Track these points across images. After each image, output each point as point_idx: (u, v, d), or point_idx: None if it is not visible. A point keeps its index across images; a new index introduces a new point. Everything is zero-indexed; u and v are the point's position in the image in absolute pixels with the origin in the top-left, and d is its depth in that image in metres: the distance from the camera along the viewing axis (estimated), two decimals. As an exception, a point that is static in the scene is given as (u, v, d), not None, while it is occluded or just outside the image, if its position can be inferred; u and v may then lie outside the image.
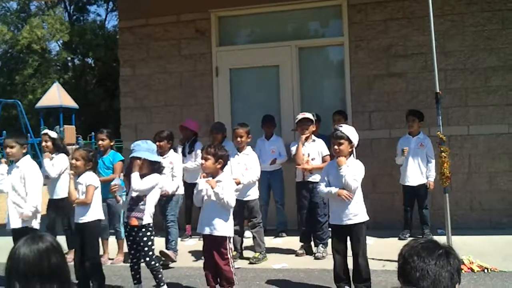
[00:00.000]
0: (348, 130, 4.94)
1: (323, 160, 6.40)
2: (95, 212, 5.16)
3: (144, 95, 8.82)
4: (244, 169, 6.29)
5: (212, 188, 4.75)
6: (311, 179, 6.40)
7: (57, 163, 6.56)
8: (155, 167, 5.15)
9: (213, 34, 8.57)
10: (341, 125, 5.05)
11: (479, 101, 7.59)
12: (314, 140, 6.46)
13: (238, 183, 6.01)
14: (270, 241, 7.02)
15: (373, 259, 5.51)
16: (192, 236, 7.55)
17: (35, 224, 5.42)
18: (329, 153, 6.44)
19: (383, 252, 5.85)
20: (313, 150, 6.42)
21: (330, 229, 7.02)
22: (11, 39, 34.16)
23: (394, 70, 7.86)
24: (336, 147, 4.89)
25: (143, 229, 5.03)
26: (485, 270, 5.48)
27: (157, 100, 8.76)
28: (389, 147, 7.55)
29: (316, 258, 6.29)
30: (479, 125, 7.57)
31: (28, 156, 5.55)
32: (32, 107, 28.01)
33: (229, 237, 4.92)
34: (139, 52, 8.87)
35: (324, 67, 8.53)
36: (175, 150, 6.97)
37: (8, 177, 5.50)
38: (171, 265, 6.25)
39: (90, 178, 5.14)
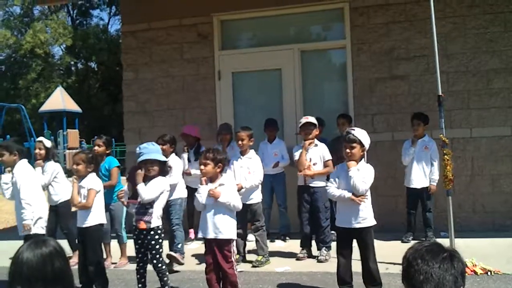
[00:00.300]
0: (360, 133, 4.92)
1: (325, 165, 6.40)
2: (97, 216, 5.18)
3: (146, 99, 8.84)
4: (247, 173, 6.30)
5: (218, 198, 4.74)
6: (312, 184, 6.41)
7: (47, 171, 6.58)
8: (164, 168, 5.16)
9: (216, 38, 8.59)
10: (354, 128, 5.01)
11: (481, 103, 7.59)
12: (316, 145, 6.46)
13: (240, 188, 6.02)
14: (273, 245, 7.02)
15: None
16: (195, 240, 7.55)
17: (39, 229, 5.43)
18: (331, 158, 6.45)
19: (386, 255, 5.84)
20: (315, 155, 6.42)
21: (333, 232, 7.09)
22: (14, 44, 34.33)
23: (396, 73, 7.86)
24: (348, 150, 4.87)
25: (152, 232, 5.03)
26: (488, 273, 5.47)
27: (159, 104, 8.78)
28: (392, 150, 7.55)
29: (319, 261, 6.29)
30: (481, 128, 7.56)
31: (22, 162, 5.54)
32: (35, 111, 28.11)
33: (233, 240, 4.93)
34: (142, 56, 8.89)
35: (326, 70, 8.54)
36: (180, 157, 7.06)
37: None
38: (176, 268, 6.26)
39: (92, 182, 5.15)
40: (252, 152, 6.47)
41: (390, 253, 5.88)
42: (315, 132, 6.44)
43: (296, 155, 6.53)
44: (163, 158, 5.18)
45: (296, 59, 8.27)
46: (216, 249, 4.79)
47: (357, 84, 8.00)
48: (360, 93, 7.98)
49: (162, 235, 5.16)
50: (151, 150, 5.07)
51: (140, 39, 8.89)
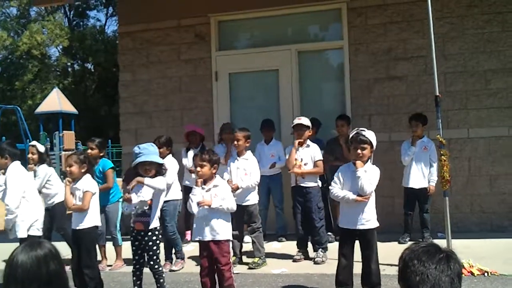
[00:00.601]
0: (370, 135, 4.89)
1: (315, 165, 6.38)
2: (92, 219, 5.13)
3: (143, 100, 8.81)
4: (243, 174, 6.28)
5: (210, 206, 4.71)
6: (304, 184, 6.39)
7: (39, 176, 6.54)
8: (161, 170, 5.13)
9: (213, 39, 8.57)
10: (364, 129, 4.98)
11: (479, 104, 7.58)
12: (308, 146, 6.44)
13: (236, 188, 6.00)
14: (269, 246, 7.00)
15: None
16: (192, 242, 7.53)
17: (36, 231, 5.39)
18: (322, 158, 6.43)
19: (383, 256, 5.79)
20: (306, 155, 6.40)
21: (329, 233, 7.08)
22: (11, 45, 34.24)
23: (394, 74, 7.85)
24: (359, 151, 4.83)
25: (150, 233, 5.00)
26: (485, 274, 5.46)
27: (156, 105, 8.76)
28: (389, 151, 7.53)
29: (316, 263, 6.26)
30: (479, 128, 7.56)
31: (14, 164, 5.52)
32: (31, 113, 28.04)
33: (230, 241, 4.91)
34: (138, 57, 8.87)
35: (323, 71, 8.52)
36: (186, 156, 7.13)
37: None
38: (173, 267, 6.28)
39: (87, 184, 5.11)
40: (248, 153, 6.45)
41: (386, 254, 5.86)
42: (308, 133, 6.41)
43: (287, 154, 6.54)
44: (161, 161, 5.15)
45: (293, 60, 8.25)
46: (213, 251, 4.75)
47: (354, 85, 7.98)
48: (357, 93, 7.97)
49: (160, 236, 5.14)
50: (150, 152, 5.03)
51: (137, 40, 8.87)
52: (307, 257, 6.48)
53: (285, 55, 8.28)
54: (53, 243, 2.32)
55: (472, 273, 5.43)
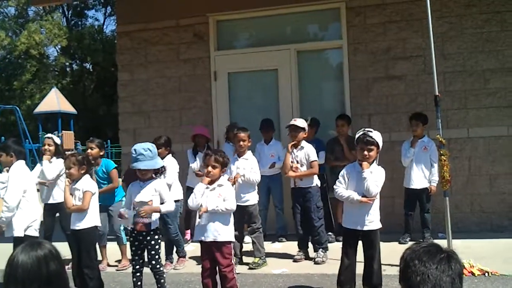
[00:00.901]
0: (377, 136, 4.87)
1: (310, 166, 6.37)
2: (92, 219, 5.14)
3: (142, 100, 8.80)
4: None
5: (207, 211, 4.70)
6: (303, 185, 6.38)
7: (55, 166, 6.54)
8: (158, 171, 5.10)
9: (212, 38, 8.56)
10: (370, 130, 4.96)
11: (478, 103, 7.58)
12: (303, 147, 6.40)
13: (236, 179, 6.00)
14: (269, 246, 6.99)
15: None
16: (191, 242, 7.52)
17: (33, 231, 5.38)
18: (316, 159, 6.43)
19: (384, 256, 5.77)
20: (301, 157, 6.39)
21: (330, 233, 7.08)
22: (9, 45, 34.17)
23: (393, 73, 7.84)
24: (366, 152, 4.80)
25: (152, 233, 5.00)
26: (486, 274, 5.45)
27: (155, 105, 8.74)
28: (389, 150, 7.49)
29: (316, 263, 6.25)
30: (478, 128, 7.55)
31: (18, 163, 5.49)
32: (30, 113, 28.00)
33: (232, 242, 4.89)
34: (137, 56, 8.85)
35: (323, 70, 8.51)
36: (196, 157, 7.19)
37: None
38: (172, 271, 6.26)
39: (87, 184, 5.11)
40: (248, 153, 6.43)
41: (387, 255, 5.84)
42: (303, 135, 6.39)
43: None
44: (157, 165, 5.06)
45: (292, 59, 8.24)
46: (215, 252, 4.72)
47: (353, 84, 7.98)
48: (356, 93, 7.96)
49: (161, 235, 5.13)
50: (146, 157, 4.92)
51: (135, 39, 8.85)
52: (307, 257, 6.47)
53: (284, 55, 8.27)
54: (53, 243, 2.32)
55: (473, 273, 5.43)
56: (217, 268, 4.81)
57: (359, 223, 4.83)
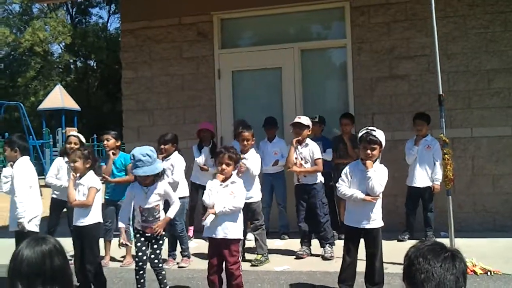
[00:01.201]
0: (380, 134, 4.89)
1: (314, 163, 6.39)
2: (96, 215, 5.16)
3: (146, 98, 8.81)
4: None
5: (216, 214, 4.71)
6: (307, 181, 6.40)
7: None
8: (158, 176, 5.08)
9: (216, 37, 8.57)
10: (374, 128, 4.98)
11: (482, 103, 7.57)
12: (307, 144, 6.44)
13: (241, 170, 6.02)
14: (272, 243, 6.99)
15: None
16: (193, 238, 7.55)
17: (34, 227, 5.40)
18: (320, 156, 6.45)
19: (386, 254, 5.78)
20: (306, 154, 6.42)
21: (334, 231, 7.09)
22: (13, 42, 34.28)
23: (396, 72, 7.84)
24: (369, 151, 4.82)
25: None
26: (488, 273, 5.45)
27: (159, 103, 8.76)
28: (392, 150, 7.50)
29: (325, 258, 6.29)
30: (482, 128, 7.55)
31: (23, 158, 5.53)
32: (34, 109, 28.07)
33: (241, 240, 4.91)
34: (141, 54, 8.86)
35: (326, 69, 8.52)
36: (201, 152, 7.20)
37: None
38: (181, 264, 6.32)
39: (92, 180, 5.13)
40: (252, 151, 6.43)
41: (389, 253, 5.85)
42: (307, 132, 6.42)
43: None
44: (157, 170, 4.99)
45: (296, 58, 8.24)
46: (224, 250, 4.73)
47: (357, 84, 7.98)
48: (360, 92, 7.96)
49: (165, 233, 5.18)
50: (145, 163, 4.86)
51: (139, 37, 8.86)
52: (310, 254, 6.49)
53: (288, 54, 8.28)
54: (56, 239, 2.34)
55: (475, 272, 5.43)
56: (223, 265, 4.81)
57: (361, 221, 4.85)
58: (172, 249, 6.52)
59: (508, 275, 5.40)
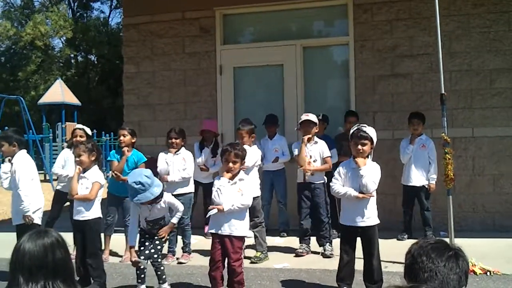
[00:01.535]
0: (371, 131, 4.90)
1: (324, 162, 6.38)
2: (98, 210, 5.18)
3: (147, 93, 8.80)
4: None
5: (223, 211, 4.69)
6: (313, 180, 6.40)
7: None
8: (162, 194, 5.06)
9: (218, 32, 8.55)
10: (364, 125, 4.98)
11: (484, 103, 7.56)
12: (316, 142, 6.45)
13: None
14: (272, 241, 6.99)
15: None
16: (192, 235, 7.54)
17: (37, 219, 5.41)
18: (330, 154, 6.45)
19: (385, 253, 5.79)
20: (315, 152, 6.41)
21: (334, 230, 7.08)
22: (14, 35, 34.19)
23: (399, 71, 7.83)
24: (359, 147, 4.83)
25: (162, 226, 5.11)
26: (488, 273, 5.45)
27: (160, 98, 8.75)
28: (392, 148, 7.52)
29: (325, 256, 6.30)
30: (483, 127, 7.54)
31: (21, 152, 5.52)
32: (34, 104, 28.02)
33: (245, 237, 4.91)
34: (143, 49, 8.85)
35: (328, 67, 8.50)
36: (201, 153, 7.17)
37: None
38: (180, 260, 6.31)
39: (97, 175, 5.16)
40: (253, 147, 6.41)
41: (388, 252, 5.87)
42: (315, 129, 6.42)
43: (296, 151, 6.52)
44: (152, 196, 4.86)
45: (298, 55, 8.23)
46: (228, 246, 4.72)
47: (359, 81, 7.97)
48: (362, 90, 7.95)
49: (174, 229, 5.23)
50: (138, 191, 4.78)
51: (141, 32, 8.85)
52: (309, 251, 6.49)
53: (290, 50, 8.26)
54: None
55: (475, 272, 5.42)
56: (225, 261, 4.80)
57: (356, 219, 4.85)
58: (172, 244, 6.52)
59: (508, 275, 5.40)
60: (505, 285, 5.17)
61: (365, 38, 7.95)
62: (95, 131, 25.48)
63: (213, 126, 7.57)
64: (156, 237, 5.05)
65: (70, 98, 24.27)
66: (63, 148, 20.87)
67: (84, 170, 5.15)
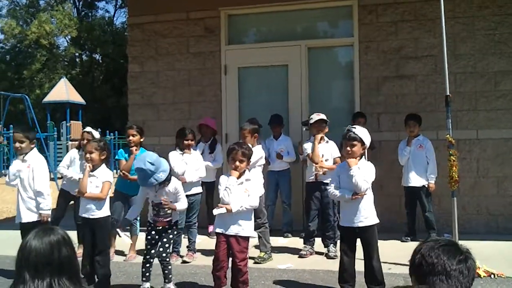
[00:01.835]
0: (361, 131, 4.91)
1: (334, 162, 6.40)
2: (107, 208, 5.23)
3: (152, 92, 8.82)
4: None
5: (231, 211, 4.69)
6: (324, 179, 6.39)
7: None
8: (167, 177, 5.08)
9: (222, 32, 8.56)
10: (354, 126, 5.00)
11: (488, 105, 7.55)
12: (327, 142, 6.47)
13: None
14: (275, 241, 7.00)
15: (379, 261, 5.48)
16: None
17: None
18: (340, 155, 6.45)
19: (389, 255, 5.81)
20: (326, 151, 6.43)
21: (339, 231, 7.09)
22: (19, 34, 34.33)
23: (403, 72, 7.82)
24: (348, 148, 4.85)
25: (172, 224, 5.11)
26: (492, 276, 5.44)
27: (165, 97, 8.76)
28: (397, 149, 7.50)
29: (329, 257, 6.30)
30: (488, 129, 7.53)
31: (35, 150, 5.55)
32: (39, 102, 28.12)
33: (251, 237, 4.91)
34: (147, 49, 8.86)
35: (333, 68, 8.50)
36: (196, 146, 7.10)
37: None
38: (185, 258, 6.33)
39: (107, 174, 5.19)
40: (257, 147, 6.40)
41: (393, 253, 5.87)
42: (326, 129, 6.44)
43: (307, 149, 6.50)
44: (166, 175, 4.96)
45: (303, 56, 8.23)
46: (234, 246, 4.72)
47: (363, 82, 7.96)
48: (366, 91, 7.95)
49: (179, 227, 5.24)
50: (150, 176, 4.85)
51: (146, 31, 8.86)
52: (313, 252, 6.49)
53: (295, 51, 8.27)
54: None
55: (479, 275, 5.40)
56: (230, 261, 4.81)
57: (354, 220, 4.85)
58: (177, 244, 6.52)
59: (512, 278, 5.39)
60: (509, 288, 5.16)
61: (370, 39, 7.95)
62: (99, 129, 25.63)
63: (213, 124, 7.55)
64: (163, 234, 5.05)
65: (75, 96, 24.34)
66: (67, 146, 20.99)
67: (93, 168, 5.17)
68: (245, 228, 4.77)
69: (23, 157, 5.45)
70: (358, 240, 4.95)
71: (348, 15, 8.20)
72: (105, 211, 5.17)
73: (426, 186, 7.05)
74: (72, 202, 6.67)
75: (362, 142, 4.87)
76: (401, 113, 7.75)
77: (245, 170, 4.88)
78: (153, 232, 5.07)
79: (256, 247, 6.48)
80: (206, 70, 8.59)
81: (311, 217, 6.51)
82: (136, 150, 6.40)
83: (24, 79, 34.63)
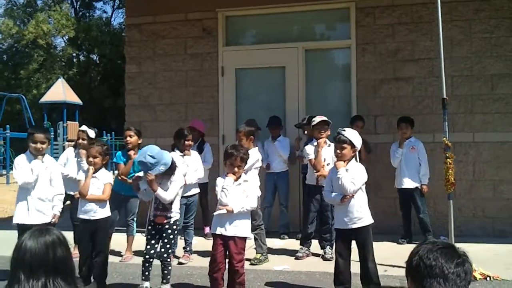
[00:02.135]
0: (351, 134, 4.91)
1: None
2: (108, 209, 5.26)
3: (149, 93, 8.81)
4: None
5: (233, 211, 4.69)
6: (323, 183, 6.38)
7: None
8: (171, 168, 5.06)
9: (220, 34, 8.57)
10: (344, 128, 5.00)
11: (485, 108, 7.57)
12: (329, 145, 6.35)
13: None
14: (272, 243, 7.00)
15: (375, 263, 5.49)
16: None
17: None
18: None
19: (385, 257, 5.82)
20: (328, 155, 6.31)
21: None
22: (17, 34, 34.29)
23: (400, 75, 7.84)
24: (338, 151, 4.88)
25: (171, 223, 5.08)
26: (488, 278, 5.43)
27: (162, 98, 8.75)
28: (393, 152, 7.53)
29: (325, 259, 6.30)
30: (484, 132, 7.55)
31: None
32: (36, 102, 28.09)
33: (248, 238, 4.92)
34: (145, 49, 8.86)
35: (330, 70, 8.51)
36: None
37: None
38: (181, 260, 6.33)
39: (107, 176, 5.26)
40: (253, 149, 6.39)
41: (389, 255, 5.88)
42: (329, 131, 6.41)
43: (310, 153, 6.48)
44: (168, 166, 4.95)
45: (300, 58, 8.24)
46: (231, 247, 4.70)
47: (360, 85, 7.98)
48: (363, 93, 7.96)
49: (178, 227, 5.22)
50: (150, 168, 4.86)
51: (144, 32, 8.86)
52: (309, 254, 6.50)
53: (292, 53, 8.28)
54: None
55: (475, 277, 5.40)
56: (226, 262, 4.80)
57: (347, 222, 4.86)
58: (173, 246, 6.51)
59: (508, 281, 5.39)
60: (504, 290, 5.17)
61: (367, 42, 7.96)
62: (95, 129, 25.59)
63: (201, 126, 7.46)
64: (164, 234, 5.04)
65: (72, 97, 24.33)
66: (63, 147, 20.95)
67: (95, 171, 5.22)
68: (242, 228, 4.76)
69: (41, 157, 5.41)
70: (354, 242, 4.97)
71: (345, 18, 8.21)
72: (106, 212, 5.22)
73: (420, 187, 7.06)
74: (68, 202, 6.64)
75: (352, 145, 4.87)
76: (398, 115, 7.75)
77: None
78: (153, 232, 5.07)
79: (252, 248, 6.48)
80: (204, 71, 8.59)
81: (310, 219, 6.50)
82: (134, 154, 6.39)
83: (21, 79, 34.59)
